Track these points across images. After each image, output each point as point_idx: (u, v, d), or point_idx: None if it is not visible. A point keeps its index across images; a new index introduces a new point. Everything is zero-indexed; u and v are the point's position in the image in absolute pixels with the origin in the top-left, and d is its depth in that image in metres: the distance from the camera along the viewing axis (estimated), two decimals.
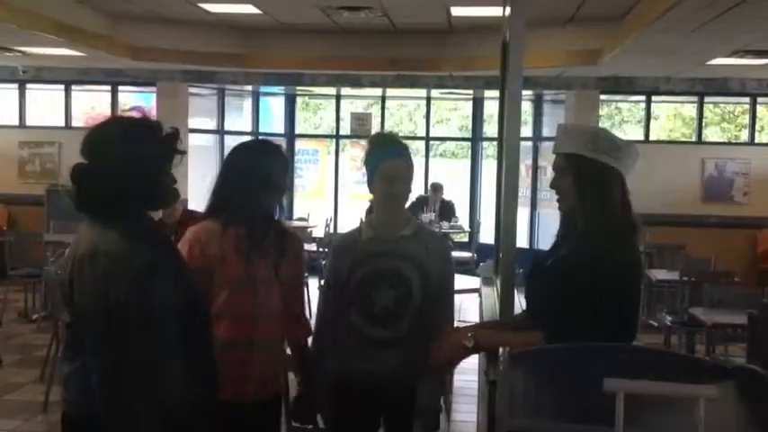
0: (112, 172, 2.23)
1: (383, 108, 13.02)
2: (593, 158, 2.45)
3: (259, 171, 2.82)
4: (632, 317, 2.48)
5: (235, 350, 2.76)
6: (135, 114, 2.36)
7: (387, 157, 2.94)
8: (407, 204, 3.13)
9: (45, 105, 12.07)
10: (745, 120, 11.49)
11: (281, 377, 3.02)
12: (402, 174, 2.95)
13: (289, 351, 3.08)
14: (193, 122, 11.53)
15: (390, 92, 12.51)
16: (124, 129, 2.32)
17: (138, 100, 12.34)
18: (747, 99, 11.12)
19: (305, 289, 3.07)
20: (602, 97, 11.22)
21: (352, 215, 11.59)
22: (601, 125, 11.33)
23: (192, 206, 7.39)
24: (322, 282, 3.14)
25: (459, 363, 2.83)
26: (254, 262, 2.81)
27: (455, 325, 3.06)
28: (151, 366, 2.19)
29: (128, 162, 2.23)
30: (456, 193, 12.18)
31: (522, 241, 10.51)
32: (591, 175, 2.46)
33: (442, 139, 16.88)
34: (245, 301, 2.79)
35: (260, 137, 12.80)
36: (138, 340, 2.17)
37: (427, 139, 13.06)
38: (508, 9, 3.20)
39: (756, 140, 11.14)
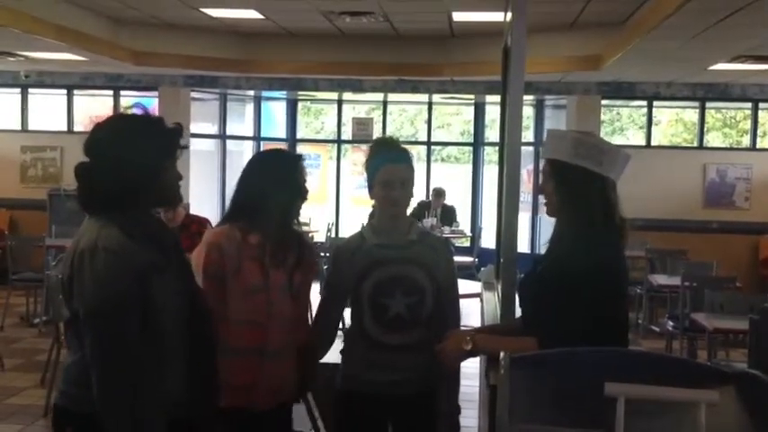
0: (113, 170, 2.24)
1: (385, 113, 13.03)
2: (574, 164, 2.47)
3: (285, 177, 2.85)
4: (618, 319, 2.48)
5: (247, 357, 2.78)
6: (136, 112, 2.37)
7: (386, 163, 2.94)
8: (409, 209, 3.13)
9: (47, 110, 12.08)
10: (747, 125, 11.48)
11: (290, 385, 3.02)
12: (401, 178, 2.94)
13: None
14: (195, 127, 11.54)
15: (392, 97, 12.52)
16: (124, 127, 2.33)
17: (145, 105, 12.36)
18: (749, 104, 11.12)
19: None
20: (604, 102, 11.22)
21: (354, 220, 11.59)
22: (602, 130, 11.34)
23: (193, 210, 7.38)
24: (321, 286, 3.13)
25: (459, 365, 2.85)
26: (270, 271, 2.83)
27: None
28: (148, 364, 2.19)
29: (128, 160, 2.24)
30: (457, 198, 12.18)
31: (523, 246, 10.51)
32: (569, 180, 2.50)
33: (444, 144, 16.89)
34: (259, 309, 2.79)
35: (262, 141, 12.84)
36: (135, 338, 2.17)
37: (429, 143, 13.07)
38: (509, 14, 3.21)
39: (758, 146, 11.14)
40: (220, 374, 2.62)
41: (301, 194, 2.88)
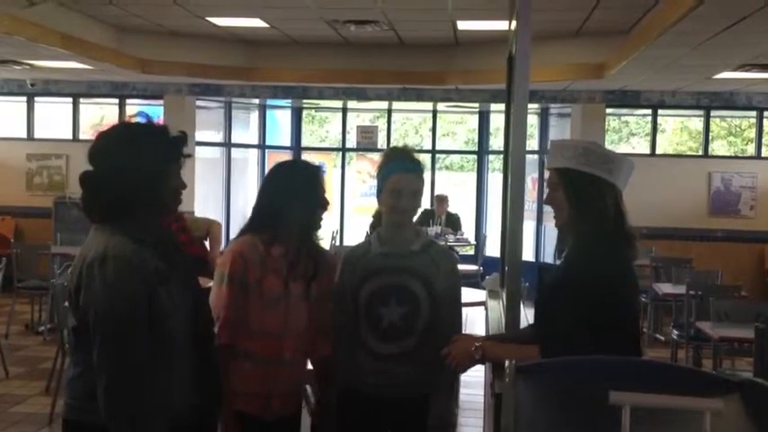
0: (116, 178, 2.25)
1: (389, 121, 13.04)
2: (586, 171, 2.47)
3: (305, 187, 2.88)
4: (627, 328, 2.47)
5: (263, 365, 2.80)
6: (140, 120, 2.38)
7: (395, 171, 2.95)
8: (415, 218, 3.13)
9: (53, 118, 12.13)
10: (752, 133, 11.48)
11: (302, 393, 3.05)
12: (408, 188, 2.94)
13: (310, 365, 3.09)
14: (200, 135, 11.59)
15: (396, 105, 12.53)
16: (128, 135, 2.34)
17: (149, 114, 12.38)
18: (754, 113, 11.12)
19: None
20: (609, 111, 11.23)
21: (358, 228, 11.58)
22: (607, 138, 11.34)
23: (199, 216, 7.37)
24: None
25: (466, 370, 2.85)
26: (289, 282, 2.85)
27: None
28: (154, 371, 2.19)
29: (130, 168, 2.25)
30: (462, 206, 12.18)
31: (527, 254, 10.51)
32: (582, 188, 2.49)
33: (448, 152, 16.89)
34: (277, 319, 2.82)
35: (266, 149, 12.87)
36: (143, 344, 2.18)
37: (433, 152, 13.07)
38: (514, 23, 3.22)
39: (763, 154, 11.13)
40: (237, 382, 2.66)
41: (321, 204, 2.90)
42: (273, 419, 2.84)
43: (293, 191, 2.85)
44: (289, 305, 2.84)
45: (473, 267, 10.59)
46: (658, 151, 11.31)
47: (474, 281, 9.39)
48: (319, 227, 2.96)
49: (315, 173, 2.96)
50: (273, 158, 12.66)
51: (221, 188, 12.22)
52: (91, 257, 2.20)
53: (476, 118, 13.32)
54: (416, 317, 2.95)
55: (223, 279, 2.79)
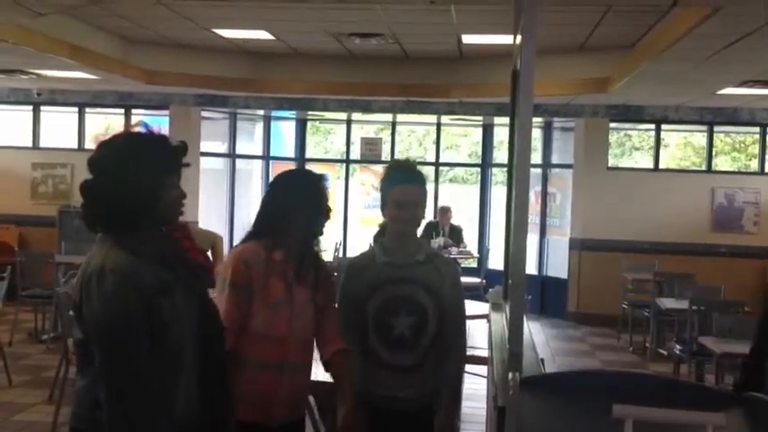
0: (115, 188, 2.25)
1: (393, 133, 13.07)
2: None
3: (308, 195, 2.91)
4: None
5: (267, 371, 2.82)
6: (141, 130, 2.39)
7: (397, 183, 3.00)
8: (419, 230, 3.16)
9: (58, 127, 12.17)
10: (756, 149, 11.48)
11: (306, 399, 3.05)
12: (411, 199, 2.98)
13: (316, 376, 3.09)
14: (205, 146, 11.62)
15: (401, 117, 12.56)
16: (128, 145, 2.34)
17: (150, 123, 12.42)
18: (757, 129, 11.13)
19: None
20: (612, 125, 11.24)
21: (362, 239, 11.58)
22: (610, 153, 11.36)
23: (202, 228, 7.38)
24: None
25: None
26: (293, 287, 2.87)
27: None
28: (157, 384, 2.20)
29: (129, 178, 2.25)
30: (465, 219, 12.19)
31: (530, 268, 10.50)
32: None
33: (452, 165, 16.91)
34: (281, 324, 2.83)
35: (271, 160, 12.90)
36: (143, 357, 2.18)
37: (437, 164, 13.10)
38: (519, 37, 3.24)
39: (767, 170, 11.12)
40: (239, 387, 2.65)
41: (324, 213, 2.93)
42: (275, 426, 2.85)
43: (297, 199, 2.88)
44: (293, 309, 2.85)
45: (476, 280, 10.59)
46: (661, 166, 11.30)
47: (477, 293, 9.39)
48: (321, 234, 2.99)
49: (319, 181, 2.99)
50: (278, 169, 12.68)
51: (225, 199, 12.25)
52: (90, 271, 2.21)
53: (479, 131, 13.35)
54: (425, 327, 2.97)
55: (224, 285, 2.81)
